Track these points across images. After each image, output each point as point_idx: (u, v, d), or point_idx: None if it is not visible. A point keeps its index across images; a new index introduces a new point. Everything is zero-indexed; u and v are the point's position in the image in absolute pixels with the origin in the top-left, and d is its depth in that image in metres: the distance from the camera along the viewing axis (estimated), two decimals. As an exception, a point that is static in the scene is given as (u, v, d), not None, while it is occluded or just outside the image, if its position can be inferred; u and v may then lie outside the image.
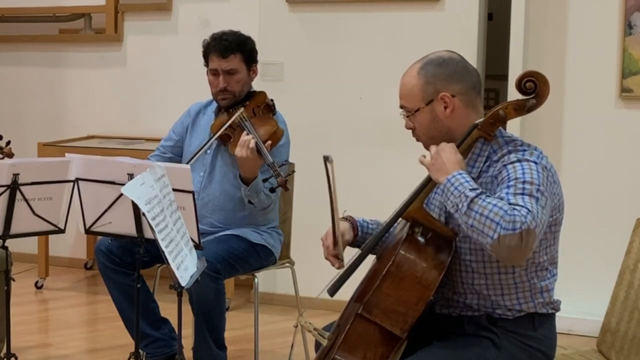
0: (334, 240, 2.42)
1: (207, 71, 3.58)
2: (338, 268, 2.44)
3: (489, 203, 2.11)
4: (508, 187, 2.18)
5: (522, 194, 2.15)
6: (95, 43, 5.48)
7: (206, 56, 3.57)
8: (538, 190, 2.17)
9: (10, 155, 3.63)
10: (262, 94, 3.58)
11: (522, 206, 2.10)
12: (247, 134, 3.35)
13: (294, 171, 3.38)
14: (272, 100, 3.58)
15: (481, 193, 2.15)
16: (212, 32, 3.61)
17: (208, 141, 3.52)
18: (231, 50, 3.50)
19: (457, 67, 2.38)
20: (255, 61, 3.60)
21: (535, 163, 2.24)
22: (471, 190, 2.16)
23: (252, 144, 3.28)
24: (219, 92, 3.54)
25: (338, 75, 4.63)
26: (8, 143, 3.63)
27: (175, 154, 3.69)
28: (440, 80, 2.36)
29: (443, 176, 2.24)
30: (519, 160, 2.25)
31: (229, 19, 4.89)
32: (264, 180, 3.32)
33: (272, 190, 3.27)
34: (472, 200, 2.13)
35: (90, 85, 5.49)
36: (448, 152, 2.28)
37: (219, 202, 3.57)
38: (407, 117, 2.41)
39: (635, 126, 4.20)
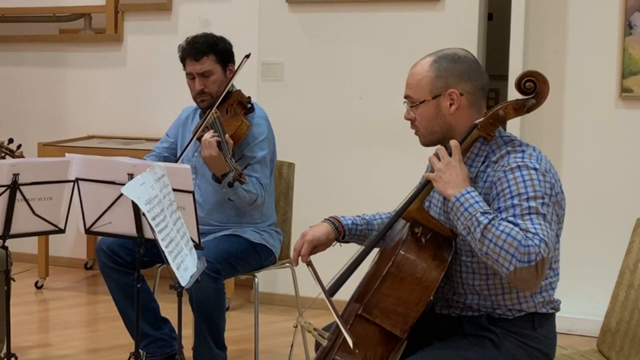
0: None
1: (185, 75, 3.60)
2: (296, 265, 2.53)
3: (502, 232, 2.11)
4: (513, 206, 2.17)
5: (529, 213, 2.15)
6: (95, 43, 5.48)
7: (183, 60, 3.60)
8: (543, 203, 2.18)
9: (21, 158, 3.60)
10: (237, 92, 3.59)
11: (534, 234, 2.10)
12: (208, 132, 3.36)
13: (249, 164, 3.41)
14: (249, 97, 3.60)
15: (493, 218, 2.14)
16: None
17: (188, 144, 3.54)
18: (203, 52, 3.53)
19: (470, 66, 2.37)
20: (230, 61, 3.61)
21: (536, 170, 2.23)
22: (482, 214, 2.15)
23: (213, 143, 3.30)
24: (197, 95, 3.57)
25: (338, 75, 4.63)
26: (19, 147, 3.58)
27: (171, 155, 3.72)
28: (452, 76, 2.35)
29: (451, 191, 2.23)
30: (519, 167, 2.24)
31: (229, 19, 4.92)
32: (223, 176, 3.33)
33: (230, 185, 3.28)
34: (485, 227, 2.13)
35: (90, 85, 5.49)
36: (457, 166, 2.26)
37: (213, 202, 3.58)
38: (410, 107, 2.40)
39: (635, 126, 4.20)
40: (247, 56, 3.54)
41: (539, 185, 2.20)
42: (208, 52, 3.54)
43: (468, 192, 2.21)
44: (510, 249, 2.09)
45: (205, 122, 3.46)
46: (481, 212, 2.16)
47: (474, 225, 2.15)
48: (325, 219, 2.58)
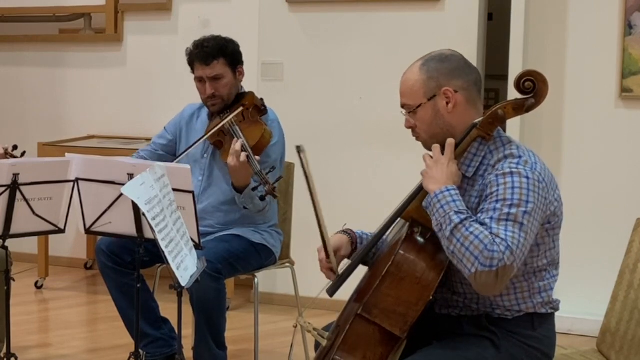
0: (326, 252, 2.40)
1: (194, 78, 3.57)
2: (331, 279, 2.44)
3: (471, 233, 2.12)
4: (494, 209, 2.17)
5: (507, 220, 2.15)
6: (95, 43, 5.48)
7: (191, 64, 3.56)
8: (525, 212, 2.17)
9: None
10: (251, 95, 3.56)
11: (502, 239, 2.11)
12: (237, 141, 3.31)
13: (281, 177, 3.37)
14: (261, 99, 3.57)
15: (465, 219, 2.15)
16: (210, 34, 3.61)
17: (198, 140, 3.49)
18: (213, 56, 3.48)
19: (459, 63, 2.38)
20: (240, 63, 3.57)
21: (527, 178, 2.21)
22: (456, 213, 2.16)
23: (242, 157, 3.26)
24: (207, 99, 3.53)
25: (338, 75, 4.64)
26: (23, 154, 3.55)
27: (167, 152, 3.67)
28: (443, 75, 2.35)
29: (432, 187, 2.24)
30: (511, 173, 2.23)
31: (229, 19, 4.92)
32: (253, 189, 3.31)
33: (262, 198, 3.26)
34: (455, 227, 2.14)
35: (90, 85, 5.49)
36: (445, 164, 2.27)
37: (217, 205, 3.57)
38: (409, 114, 2.40)
39: (635, 126, 4.20)
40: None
41: (526, 194, 2.19)
42: (218, 55, 3.49)
43: (448, 190, 2.22)
44: (475, 252, 2.10)
45: (221, 127, 3.41)
46: (455, 211, 2.17)
47: (445, 223, 2.16)
48: (335, 233, 2.55)
